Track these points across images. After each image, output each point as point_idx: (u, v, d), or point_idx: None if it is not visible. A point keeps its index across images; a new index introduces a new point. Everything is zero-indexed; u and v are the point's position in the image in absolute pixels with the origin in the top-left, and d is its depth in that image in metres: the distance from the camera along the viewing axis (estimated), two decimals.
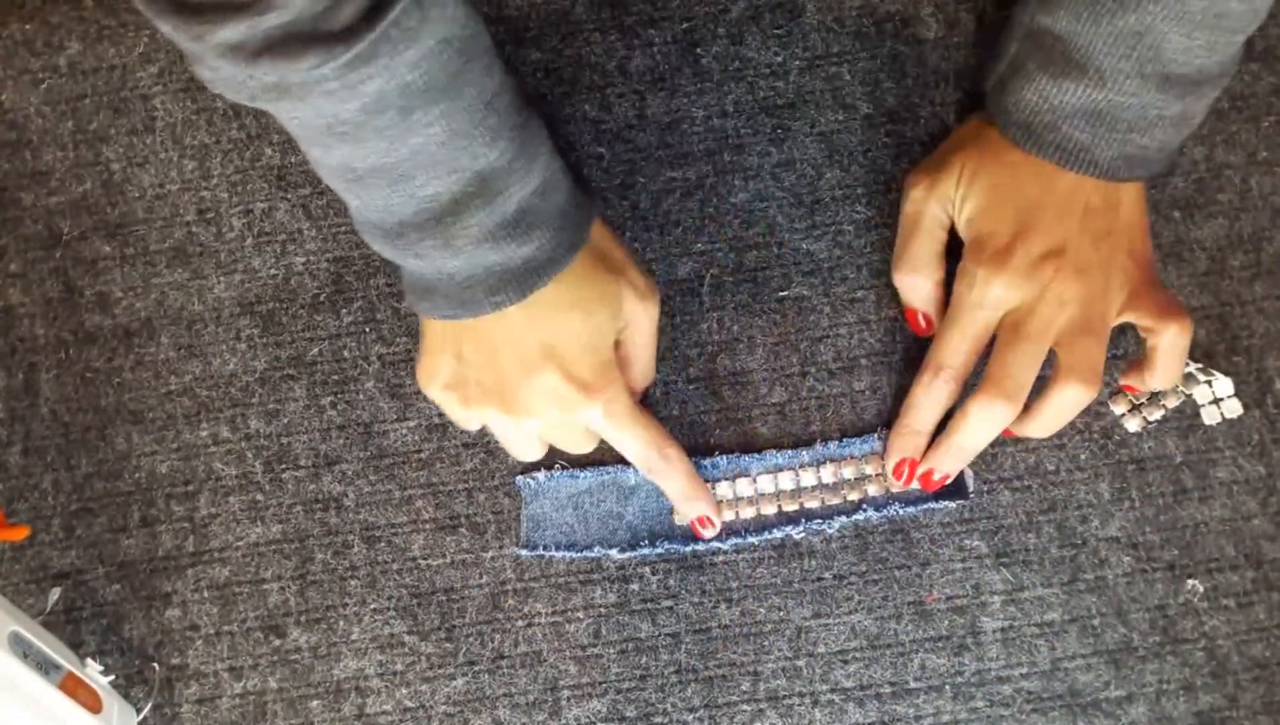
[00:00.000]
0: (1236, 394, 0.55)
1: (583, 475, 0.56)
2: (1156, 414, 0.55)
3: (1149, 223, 0.52)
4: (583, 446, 0.53)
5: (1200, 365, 0.55)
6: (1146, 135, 0.48)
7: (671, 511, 0.55)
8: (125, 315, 0.58)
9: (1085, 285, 0.48)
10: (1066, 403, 0.49)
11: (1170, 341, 0.50)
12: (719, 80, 0.59)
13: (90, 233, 0.59)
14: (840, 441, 0.55)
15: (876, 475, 0.55)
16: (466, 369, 0.49)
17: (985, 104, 0.53)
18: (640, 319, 0.51)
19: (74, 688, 0.46)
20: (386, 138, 0.41)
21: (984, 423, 0.50)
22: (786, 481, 0.55)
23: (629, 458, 0.52)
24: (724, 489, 0.55)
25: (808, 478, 0.55)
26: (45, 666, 0.45)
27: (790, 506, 0.55)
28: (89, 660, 0.50)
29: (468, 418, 0.51)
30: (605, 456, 0.56)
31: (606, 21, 0.59)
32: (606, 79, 0.59)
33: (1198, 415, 0.56)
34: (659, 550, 0.55)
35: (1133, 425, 0.55)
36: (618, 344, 0.51)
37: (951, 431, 0.51)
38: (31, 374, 0.58)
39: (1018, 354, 0.49)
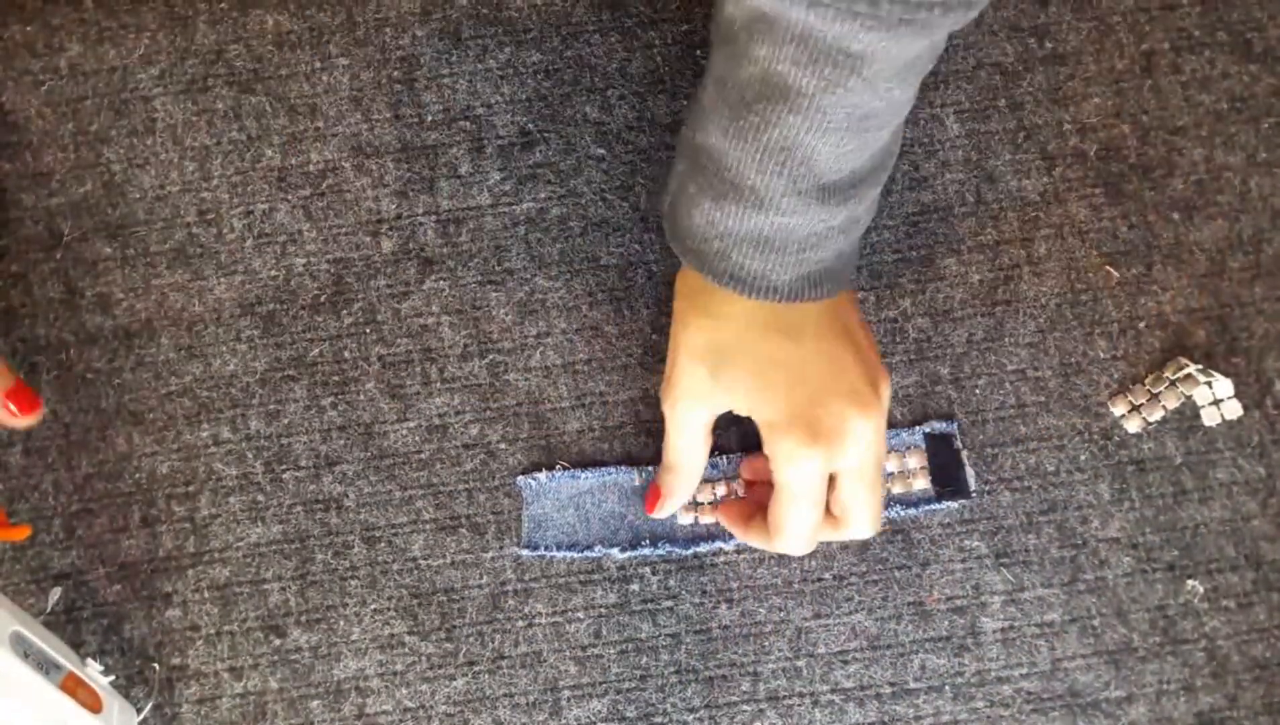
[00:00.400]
0: (1236, 395, 0.55)
1: (584, 475, 0.56)
2: (1156, 415, 0.55)
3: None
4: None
5: (1200, 366, 0.55)
6: (819, 250, 0.46)
7: (674, 513, 0.55)
8: (126, 316, 0.58)
9: (880, 413, 0.48)
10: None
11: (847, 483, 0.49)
12: None
13: (91, 234, 0.59)
14: None
15: None
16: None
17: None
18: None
19: (74, 687, 0.46)
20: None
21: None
22: None
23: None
24: (723, 489, 0.55)
25: None
26: (46, 666, 0.45)
27: None
28: (89, 660, 0.50)
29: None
30: (606, 457, 0.56)
31: (607, 23, 0.60)
32: (607, 80, 0.59)
33: (1198, 416, 0.56)
34: (660, 551, 0.55)
35: (1132, 426, 0.55)
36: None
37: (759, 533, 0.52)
38: (32, 375, 0.58)
39: (864, 502, 0.49)
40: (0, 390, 0.49)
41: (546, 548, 0.55)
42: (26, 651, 0.44)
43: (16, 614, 0.46)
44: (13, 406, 0.49)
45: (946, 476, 0.55)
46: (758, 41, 0.41)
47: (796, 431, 0.47)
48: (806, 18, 0.39)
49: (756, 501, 0.53)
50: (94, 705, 0.46)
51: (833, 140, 0.43)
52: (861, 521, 0.49)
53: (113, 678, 0.53)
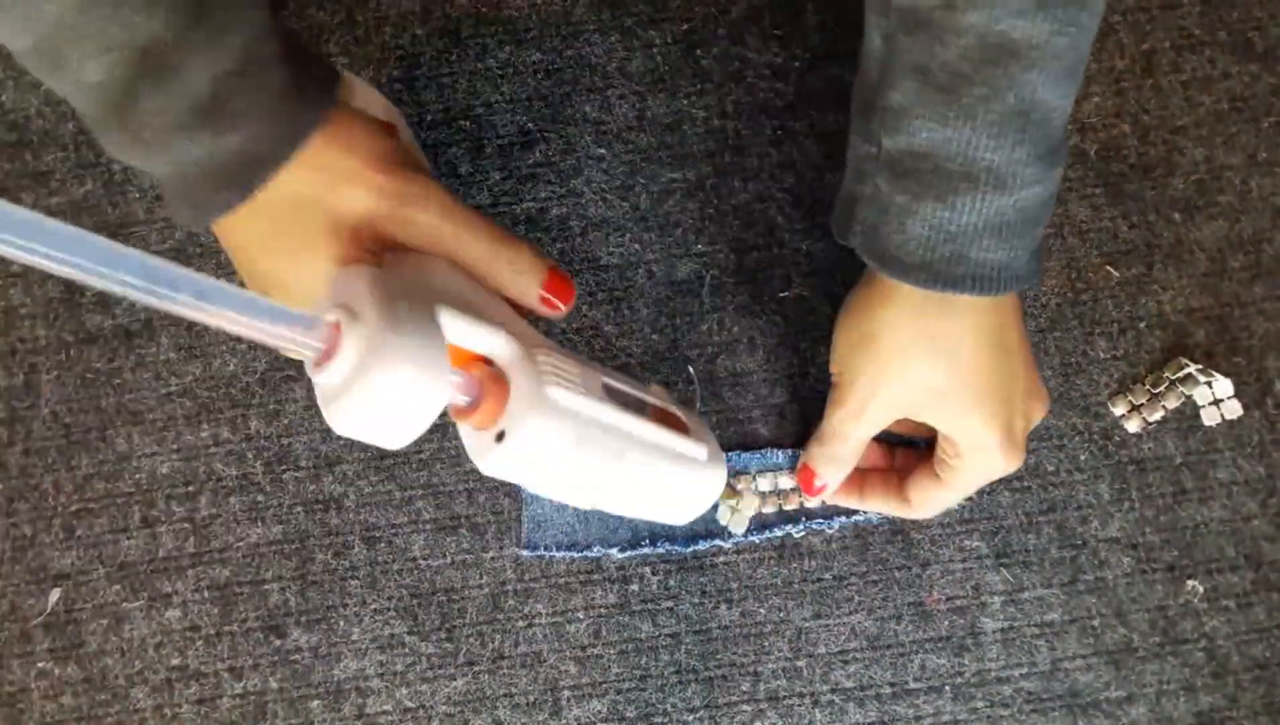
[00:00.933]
0: (1236, 395, 0.55)
1: None
2: (1156, 415, 0.55)
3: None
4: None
5: (1200, 366, 0.55)
6: (1044, 221, 0.43)
7: None
8: (126, 316, 0.58)
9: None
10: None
11: (972, 470, 0.48)
12: (719, 81, 0.59)
13: None
14: None
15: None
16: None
17: (864, 261, 0.45)
18: (406, 230, 0.41)
19: (663, 417, 0.44)
20: (16, 7, 0.35)
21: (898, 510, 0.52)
22: (786, 481, 0.55)
23: None
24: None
25: None
26: (633, 405, 0.42)
27: (790, 505, 0.55)
28: (652, 385, 0.46)
29: None
30: None
31: (607, 23, 0.59)
32: (607, 80, 0.59)
33: (1197, 416, 0.56)
34: (659, 550, 0.55)
35: (1132, 426, 0.55)
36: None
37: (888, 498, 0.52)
38: (32, 374, 0.58)
39: (954, 493, 0.49)
40: (537, 281, 0.43)
41: (546, 548, 0.55)
42: (614, 394, 0.42)
43: (600, 368, 0.43)
44: (552, 296, 0.43)
45: None
46: (965, 10, 0.38)
47: (1003, 449, 0.46)
48: None
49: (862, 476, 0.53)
50: (682, 427, 0.43)
51: (1065, 89, 0.40)
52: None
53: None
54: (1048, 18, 0.38)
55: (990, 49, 0.39)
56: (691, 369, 0.55)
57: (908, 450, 0.54)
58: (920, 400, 0.46)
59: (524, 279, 0.42)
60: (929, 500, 0.50)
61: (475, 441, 0.39)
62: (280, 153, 0.39)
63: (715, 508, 0.55)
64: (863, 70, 0.45)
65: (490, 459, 0.38)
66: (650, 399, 0.44)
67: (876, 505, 0.53)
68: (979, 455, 0.47)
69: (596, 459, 0.39)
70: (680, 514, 0.44)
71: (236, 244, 0.41)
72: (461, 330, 0.38)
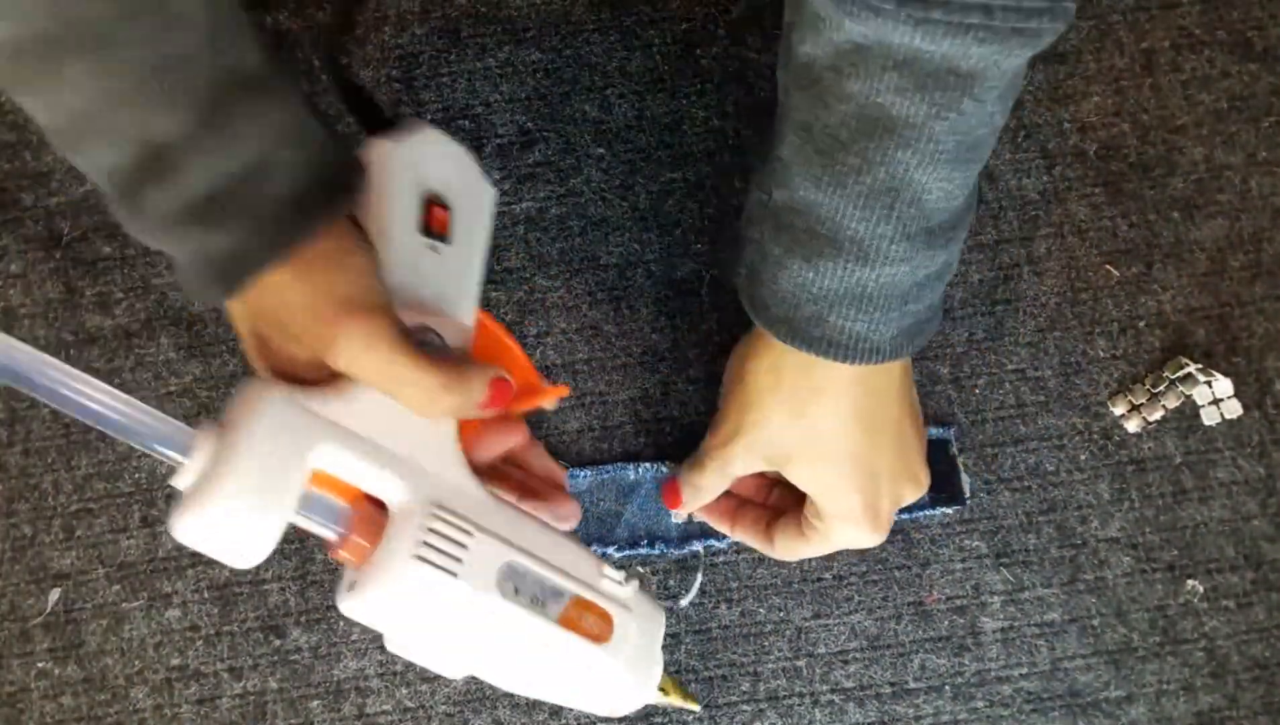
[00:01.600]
0: (1236, 395, 0.55)
1: (581, 475, 0.56)
2: (1156, 414, 0.55)
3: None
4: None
5: (1200, 366, 0.55)
6: (919, 301, 0.43)
7: (670, 511, 0.55)
8: (125, 316, 0.58)
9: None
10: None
11: (833, 534, 0.47)
12: (719, 81, 0.59)
13: (90, 233, 0.59)
14: None
15: None
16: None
17: (742, 303, 0.46)
18: (370, 371, 0.39)
19: (578, 617, 0.39)
20: (41, 94, 0.37)
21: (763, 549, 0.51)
22: None
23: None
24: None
25: None
26: (543, 598, 0.39)
27: None
28: (605, 569, 0.41)
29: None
30: (605, 456, 0.56)
31: (606, 22, 0.59)
32: (606, 79, 0.59)
33: (1197, 416, 0.56)
34: (656, 550, 0.55)
35: (1132, 426, 0.55)
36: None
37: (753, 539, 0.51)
38: None
39: (817, 551, 0.49)
40: (477, 401, 0.40)
41: None
42: (517, 587, 0.38)
43: (519, 534, 0.39)
44: (491, 404, 0.40)
45: (942, 482, 0.55)
46: (850, 77, 0.38)
47: (863, 525, 0.46)
48: (912, 40, 0.36)
49: (740, 502, 0.53)
50: (602, 634, 0.39)
51: (943, 173, 0.39)
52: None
53: (636, 584, 0.42)
54: (926, 99, 0.37)
55: (867, 121, 0.38)
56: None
57: (785, 491, 0.52)
58: (778, 455, 0.46)
59: (467, 403, 0.40)
60: (791, 549, 0.49)
61: (345, 574, 0.38)
62: (262, 260, 0.38)
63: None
64: (775, 118, 0.45)
65: (342, 602, 0.37)
66: (574, 590, 0.39)
67: (742, 537, 0.52)
68: (840, 523, 0.46)
69: (460, 642, 0.37)
70: (592, 708, 0.41)
71: (239, 323, 0.42)
72: (344, 464, 0.37)
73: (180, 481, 0.35)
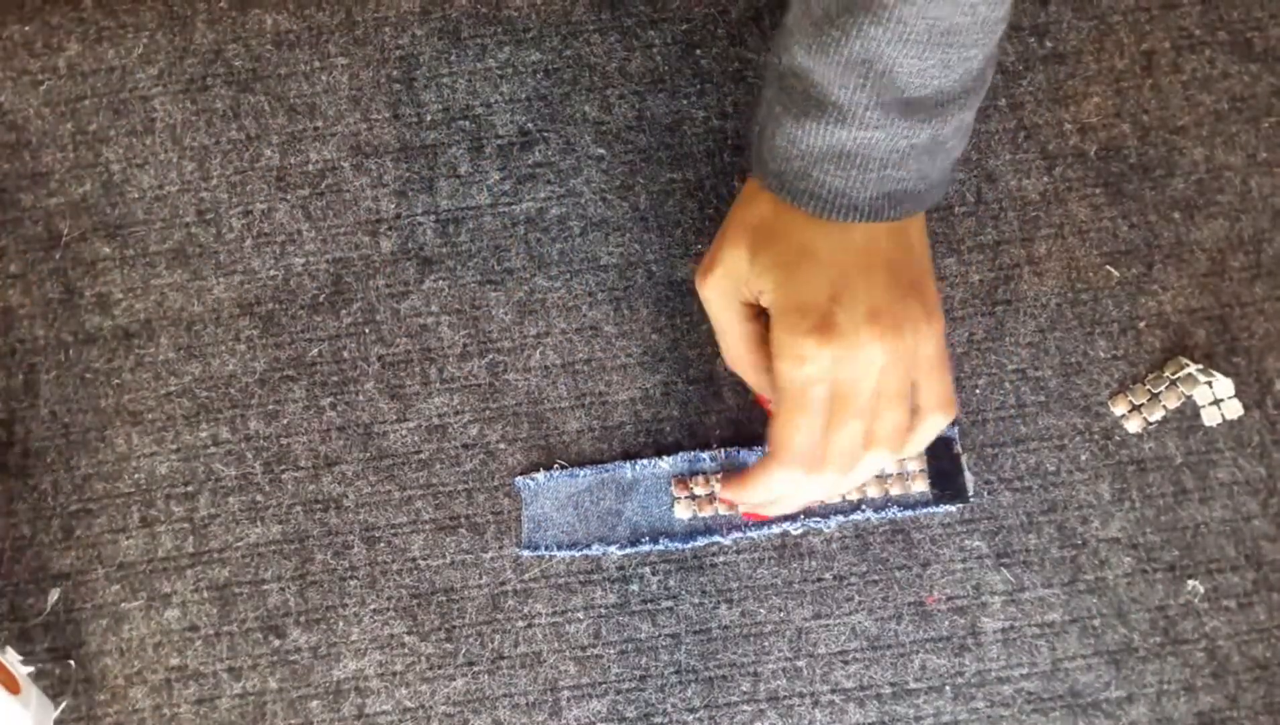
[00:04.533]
0: (1237, 395, 0.55)
1: (582, 473, 0.56)
2: (1157, 414, 0.55)
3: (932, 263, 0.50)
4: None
5: (1200, 366, 0.55)
6: (900, 169, 0.46)
7: (671, 507, 0.55)
8: (125, 316, 0.58)
9: (900, 344, 0.46)
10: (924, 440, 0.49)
11: (930, 426, 0.48)
12: (719, 81, 0.59)
13: (90, 234, 0.59)
14: None
15: (876, 477, 0.55)
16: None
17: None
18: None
19: None
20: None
21: (822, 494, 0.49)
22: None
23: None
24: (684, 503, 0.55)
25: None
26: None
27: None
28: (8, 648, 0.49)
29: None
30: (605, 456, 0.56)
31: (607, 22, 0.59)
32: (607, 80, 0.59)
33: (1198, 416, 0.56)
34: (659, 547, 0.55)
35: (1133, 426, 0.55)
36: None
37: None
38: (31, 375, 0.58)
39: (849, 432, 0.46)
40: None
41: (546, 548, 0.55)
42: None
43: None
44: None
45: (945, 480, 0.55)
46: None
47: (798, 321, 0.45)
48: None
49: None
50: (12, 687, 0.46)
51: (914, 53, 0.43)
52: (906, 445, 0.48)
53: (32, 669, 0.52)
54: None
55: None
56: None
57: None
58: (750, 261, 0.47)
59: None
60: (772, 436, 0.47)
61: None
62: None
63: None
64: None
65: None
66: None
67: (749, 490, 0.50)
68: (775, 329, 0.46)
69: None
70: None
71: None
72: None
73: None
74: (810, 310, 0.45)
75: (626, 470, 0.55)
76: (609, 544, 0.55)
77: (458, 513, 0.56)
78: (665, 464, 0.55)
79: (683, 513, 0.55)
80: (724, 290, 0.49)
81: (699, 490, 0.55)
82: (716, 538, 0.55)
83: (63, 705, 0.54)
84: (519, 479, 0.56)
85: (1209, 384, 0.55)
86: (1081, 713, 0.54)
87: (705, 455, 0.55)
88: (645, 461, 0.55)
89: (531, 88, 0.59)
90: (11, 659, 0.48)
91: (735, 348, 0.50)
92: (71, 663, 0.55)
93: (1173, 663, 0.54)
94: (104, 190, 0.59)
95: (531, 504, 0.56)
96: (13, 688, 0.46)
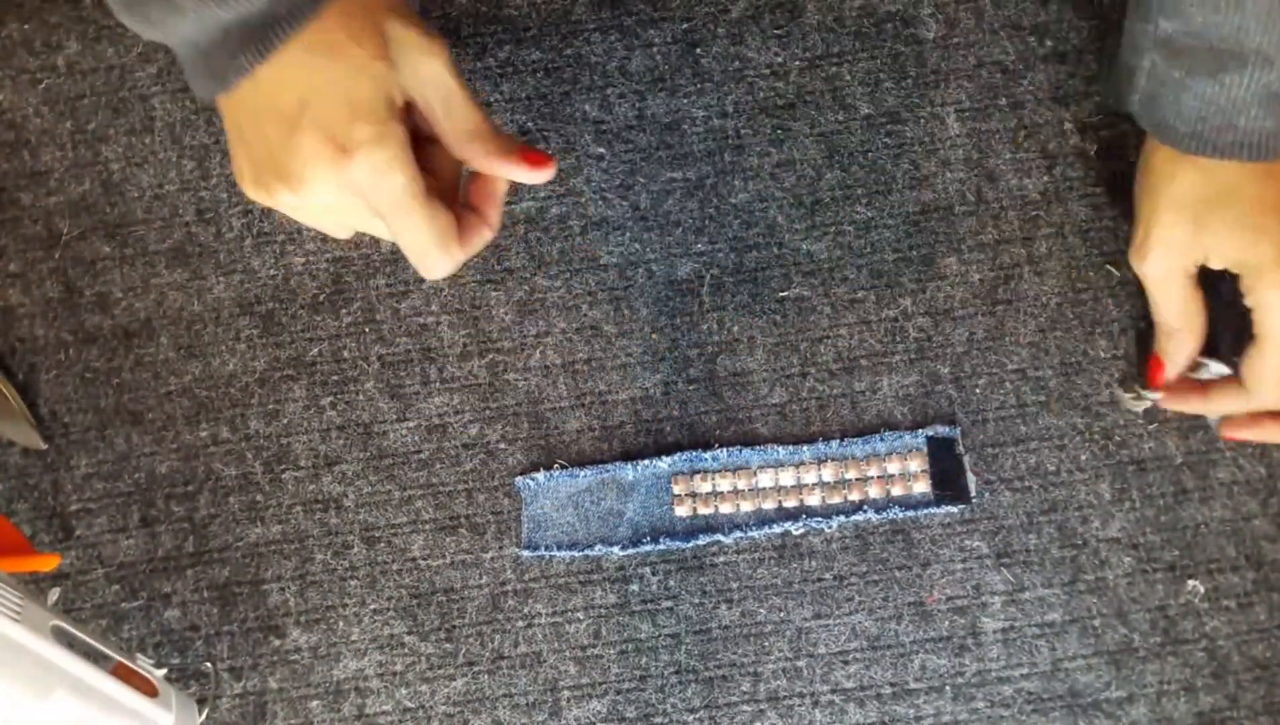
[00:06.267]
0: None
1: (582, 474, 0.56)
2: (1155, 395, 0.55)
3: None
4: (367, 227, 0.45)
5: (1201, 358, 0.55)
6: None
7: (672, 506, 0.55)
8: (125, 316, 0.58)
9: None
10: None
11: None
12: (719, 80, 0.59)
13: (89, 233, 0.59)
14: (842, 441, 0.55)
15: (878, 478, 0.55)
16: (251, 152, 0.43)
17: (1141, 126, 0.52)
18: (428, 72, 0.42)
19: (127, 675, 0.45)
20: None
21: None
22: (787, 478, 0.55)
23: (405, 251, 0.44)
24: (724, 483, 0.55)
25: (808, 475, 0.55)
26: (94, 657, 0.44)
27: (790, 502, 0.55)
28: (138, 655, 0.49)
29: (277, 206, 0.44)
30: (605, 456, 0.56)
31: (607, 22, 0.59)
32: (607, 79, 0.59)
33: (1199, 416, 0.55)
34: (660, 546, 0.55)
35: (1139, 407, 0.55)
36: (411, 109, 0.43)
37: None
38: (31, 374, 0.58)
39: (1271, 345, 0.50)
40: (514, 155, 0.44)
41: (546, 548, 0.55)
42: (71, 643, 0.43)
43: (55, 613, 0.45)
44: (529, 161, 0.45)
45: (947, 481, 0.55)
46: None
47: None
48: None
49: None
50: (150, 691, 0.45)
51: None
52: None
53: (165, 671, 0.51)
54: None
55: None
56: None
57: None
58: (1195, 231, 0.50)
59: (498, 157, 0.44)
60: (1260, 374, 0.51)
61: None
62: (307, 7, 0.40)
63: None
64: None
65: None
66: (117, 656, 0.45)
67: (1216, 405, 0.53)
68: (1261, 283, 0.49)
69: (9, 690, 0.39)
70: None
71: (259, 98, 0.42)
72: None
73: None
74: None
75: (627, 471, 0.55)
76: (610, 544, 0.55)
77: (458, 513, 0.56)
78: (665, 464, 0.55)
79: (683, 512, 0.55)
80: (1167, 264, 0.51)
81: (700, 488, 0.55)
82: (718, 536, 0.55)
83: (207, 710, 0.54)
84: (519, 479, 0.56)
85: (1204, 367, 0.54)
86: (1081, 713, 0.54)
87: (707, 455, 0.55)
88: (645, 461, 0.55)
89: (531, 86, 0.59)
90: (144, 664, 0.48)
91: (1180, 312, 0.52)
92: (210, 664, 0.55)
93: (1173, 663, 0.54)
94: (103, 189, 0.59)
95: (531, 504, 0.56)
96: (150, 691, 0.46)
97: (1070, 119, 0.58)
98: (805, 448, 0.55)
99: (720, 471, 0.55)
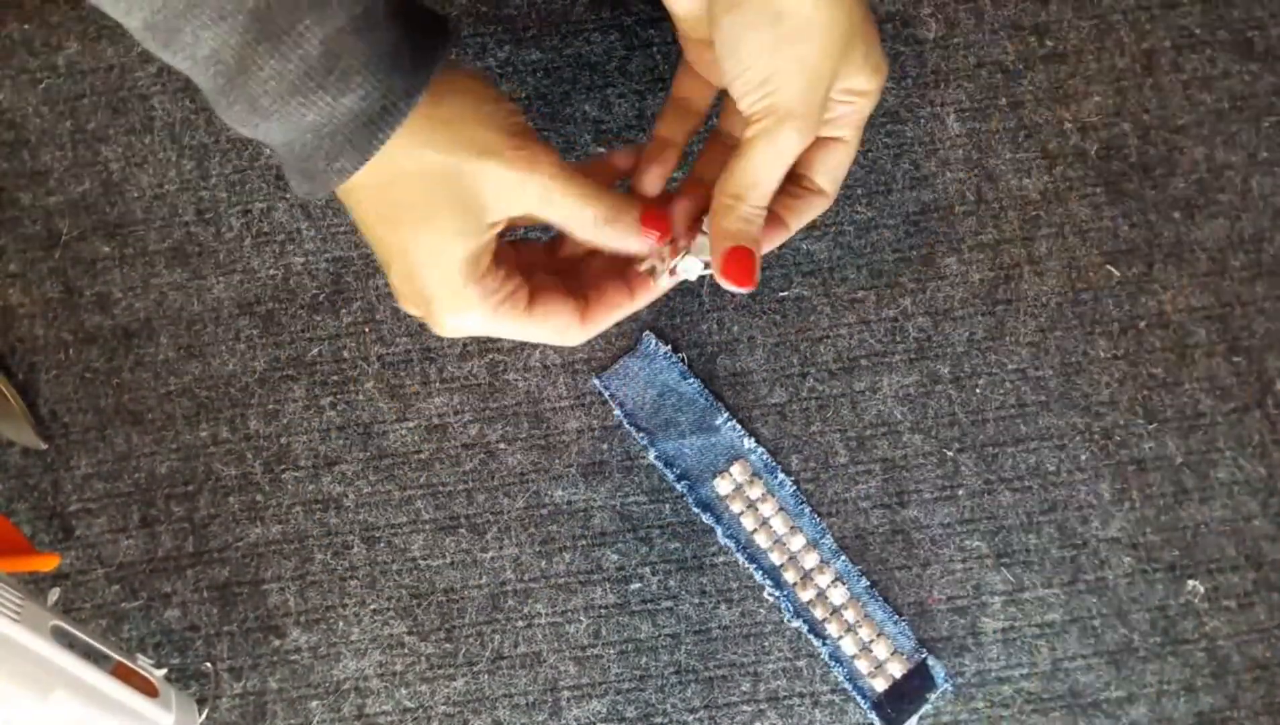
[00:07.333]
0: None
1: (692, 382, 0.56)
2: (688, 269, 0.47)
3: None
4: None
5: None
6: None
7: (717, 476, 0.55)
8: (124, 315, 0.58)
9: None
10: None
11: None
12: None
13: (89, 233, 0.59)
14: (871, 587, 0.55)
15: (866, 642, 0.54)
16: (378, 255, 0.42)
17: None
18: (520, 200, 0.41)
19: (127, 675, 0.45)
20: None
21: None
22: (809, 560, 0.55)
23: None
24: (767, 507, 0.55)
25: (822, 577, 0.55)
26: (94, 657, 0.44)
27: (789, 575, 0.55)
28: (138, 655, 0.49)
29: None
30: (606, 456, 0.56)
31: (606, 21, 0.59)
32: (606, 79, 0.59)
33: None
34: (680, 489, 0.55)
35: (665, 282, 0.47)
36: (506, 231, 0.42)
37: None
38: (31, 374, 0.58)
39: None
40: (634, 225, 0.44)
41: (613, 395, 0.56)
42: (71, 643, 0.43)
43: (55, 613, 0.45)
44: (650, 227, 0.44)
45: (898, 701, 0.53)
46: None
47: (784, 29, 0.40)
48: None
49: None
50: (150, 691, 0.46)
51: None
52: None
53: (165, 671, 0.52)
54: None
55: None
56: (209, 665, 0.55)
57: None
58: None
59: (620, 229, 0.43)
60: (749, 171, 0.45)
61: None
62: (396, 111, 0.38)
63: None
64: None
65: None
66: (117, 656, 0.45)
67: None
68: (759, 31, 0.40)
69: (9, 690, 0.39)
70: None
71: (360, 214, 0.41)
72: None
73: None
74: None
75: (720, 416, 0.56)
76: (652, 444, 0.55)
77: (458, 513, 0.56)
78: (747, 444, 0.55)
79: (722, 488, 0.55)
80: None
81: (749, 489, 0.55)
82: (719, 534, 0.55)
83: (207, 710, 0.54)
84: (646, 333, 0.56)
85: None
86: (1081, 713, 0.54)
87: (779, 474, 0.55)
88: (738, 426, 0.56)
89: (531, 86, 0.59)
90: (144, 664, 0.48)
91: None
92: (210, 664, 0.55)
93: (1173, 663, 0.54)
94: (103, 189, 0.59)
95: (634, 362, 0.56)
96: (151, 691, 0.46)
97: (1070, 118, 0.58)
98: (856, 571, 0.55)
99: (770, 496, 0.55)
